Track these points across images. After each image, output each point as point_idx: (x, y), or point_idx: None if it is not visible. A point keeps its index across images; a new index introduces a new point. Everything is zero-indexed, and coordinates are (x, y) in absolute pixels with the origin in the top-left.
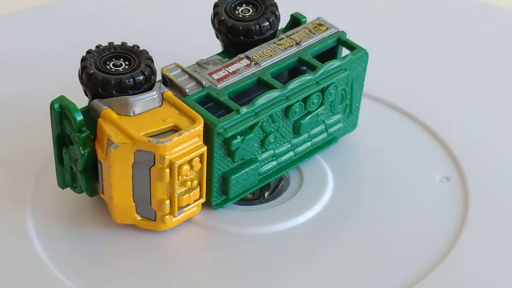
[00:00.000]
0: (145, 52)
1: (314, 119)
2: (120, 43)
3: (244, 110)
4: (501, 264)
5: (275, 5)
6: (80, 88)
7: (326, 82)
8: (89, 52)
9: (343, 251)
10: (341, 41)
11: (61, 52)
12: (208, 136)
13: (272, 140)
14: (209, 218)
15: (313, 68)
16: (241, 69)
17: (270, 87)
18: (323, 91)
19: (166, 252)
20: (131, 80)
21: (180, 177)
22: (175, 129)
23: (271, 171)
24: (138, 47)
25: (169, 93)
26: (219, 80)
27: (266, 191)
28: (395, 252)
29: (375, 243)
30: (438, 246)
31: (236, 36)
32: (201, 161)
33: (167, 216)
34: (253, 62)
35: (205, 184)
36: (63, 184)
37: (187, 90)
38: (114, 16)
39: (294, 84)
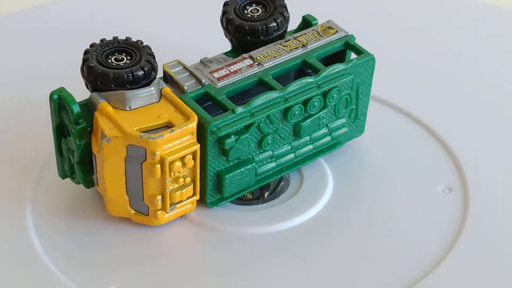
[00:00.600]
0: (147, 47)
1: (315, 122)
2: (124, 38)
3: (239, 110)
4: (498, 274)
5: (285, 6)
6: (83, 83)
7: (328, 86)
8: (92, 45)
9: (343, 252)
10: (349, 45)
11: (64, 50)
12: (201, 134)
13: (270, 141)
14: (206, 216)
15: (316, 71)
16: (243, 69)
17: (271, 88)
18: (325, 94)
19: (158, 247)
20: (130, 75)
21: (172, 174)
22: (169, 126)
23: (270, 172)
24: (142, 42)
25: (167, 89)
26: (219, 79)
27: (266, 191)
28: (395, 252)
29: (374, 243)
30: (437, 247)
31: (243, 36)
32: (194, 159)
33: (159, 212)
34: (256, 63)
35: (198, 181)
36: (63, 174)
37: (185, 87)
38: (125, 12)
39: (293, 86)
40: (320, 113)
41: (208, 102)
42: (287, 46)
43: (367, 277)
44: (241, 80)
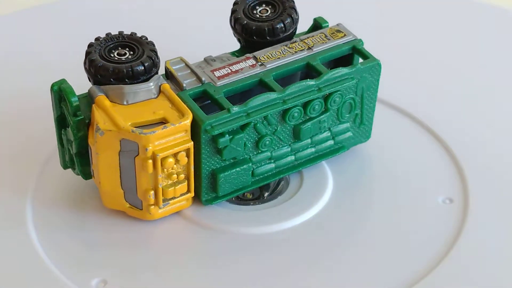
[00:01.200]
0: (151, 44)
1: (316, 126)
2: (129, 33)
3: (235, 109)
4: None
5: (294, 8)
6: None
7: (329, 89)
8: (97, 39)
9: (342, 252)
10: (356, 49)
11: (68, 47)
12: (196, 132)
13: (268, 142)
14: (203, 215)
15: (319, 74)
16: (245, 69)
17: (270, 90)
18: (326, 98)
19: (150, 242)
20: (130, 69)
21: (165, 170)
22: (164, 122)
23: (269, 173)
24: (146, 38)
25: (166, 86)
26: (219, 77)
27: (266, 191)
28: (395, 252)
29: (374, 244)
30: (437, 247)
31: (249, 36)
32: (187, 156)
33: (152, 207)
34: (259, 63)
35: (193, 179)
36: (64, 165)
37: (184, 85)
38: (139, 7)
39: (293, 88)
40: (321, 116)
41: (208, 101)
42: (293, 48)
43: (367, 277)
44: (241, 80)
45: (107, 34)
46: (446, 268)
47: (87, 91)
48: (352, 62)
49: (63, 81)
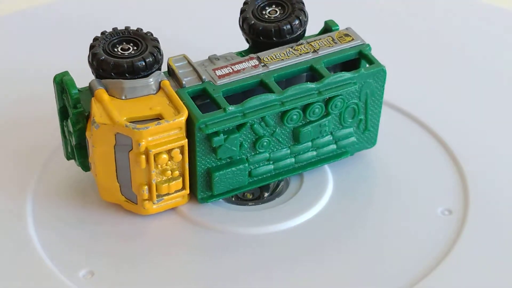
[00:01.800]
0: (155, 40)
1: (316, 129)
2: (135, 29)
3: (231, 109)
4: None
5: (303, 10)
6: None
7: (329, 93)
8: (103, 33)
9: (342, 252)
10: (362, 54)
11: (71, 46)
12: (191, 130)
13: (265, 144)
14: (198, 212)
15: (321, 77)
16: (247, 69)
17: (270, 91)
18: (327, 102)
19: (142, 236)
20: (130, 64)
21: (159, 166)
22: (159, 118)
23: (268, 174)
24: (152, 34)
25: (166, 82)
26: (220, 76)
27: (266, 191)
28: (394, 252)
29: (374, 244)
30: (437, 247)
31: (256, 36)
32: (182, 153)
33: (146, 201)
34: (262, 64)
35: (187, 176)
36: (67, 156)
37: (184, 82)
38: (151, 4)
39: (292, 90)
40: (322, 120)
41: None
42: (298, 50)
43: (367, 277)
44: (242, 80)
45: (113, 29)
46: (446, 268)
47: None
48: (359, 67)
49: (66, 73)
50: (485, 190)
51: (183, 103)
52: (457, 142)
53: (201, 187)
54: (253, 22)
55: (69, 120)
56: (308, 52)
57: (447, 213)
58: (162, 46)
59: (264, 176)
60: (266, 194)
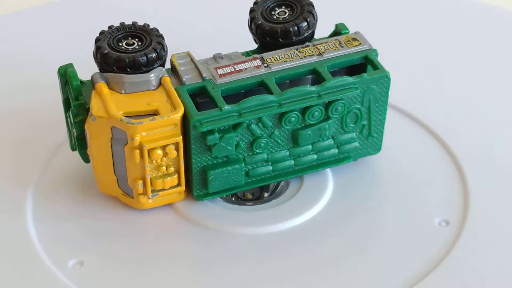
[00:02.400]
0: (161, 37)
1: (316, 132)
2: (142, 24)
3: (226, 108)
4: None
5: (311, 12)
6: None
7: (330, 97)
8: (110, 27)
9: (342, 252)
10: (368, 59)
11: (71, 45)
12: (186, 127)
13: (263, 144)
14: (194, 210)
15: (323, 81)
16: (249, 69)
17: (269, 92)
18: (327, 105)
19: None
20: (132, 59)
21: (154, 161)
22: (156, 114)
23: (266, 175)
24: (158, 30)
25: (167, 79)
26: (221, 75)
27: (266, 191)
28: (394, 252)
29: (374, 244)
30: (437, 247)
31: (263, 37)
32: (176, 150)
33: (141, 196)
34: (264, 64)
35: (183, 172)
36: (72, 147)
37: (184, 79)
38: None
39: (291, 92)
40: (322, 124)
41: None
42: (303, 52)
43: (367, 277)
44: (242, 79)
45: (120, 23)
46: (445, 268)
47: None
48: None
49: (69, 65)
50: (485, 205)
51: (181, 100)
52: (465, 152)
53: (197, 184)
54: (260, 22)
55: (70, 112)
56: (313, 55)
57: (444, 224)
58: (173, 42)
59: (262, 177)
60: (266, 194)
